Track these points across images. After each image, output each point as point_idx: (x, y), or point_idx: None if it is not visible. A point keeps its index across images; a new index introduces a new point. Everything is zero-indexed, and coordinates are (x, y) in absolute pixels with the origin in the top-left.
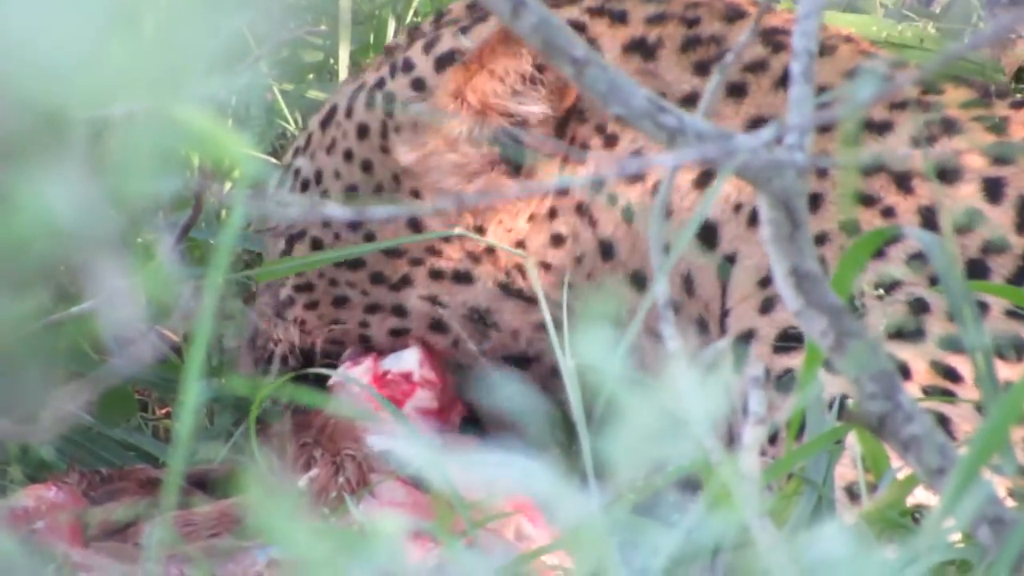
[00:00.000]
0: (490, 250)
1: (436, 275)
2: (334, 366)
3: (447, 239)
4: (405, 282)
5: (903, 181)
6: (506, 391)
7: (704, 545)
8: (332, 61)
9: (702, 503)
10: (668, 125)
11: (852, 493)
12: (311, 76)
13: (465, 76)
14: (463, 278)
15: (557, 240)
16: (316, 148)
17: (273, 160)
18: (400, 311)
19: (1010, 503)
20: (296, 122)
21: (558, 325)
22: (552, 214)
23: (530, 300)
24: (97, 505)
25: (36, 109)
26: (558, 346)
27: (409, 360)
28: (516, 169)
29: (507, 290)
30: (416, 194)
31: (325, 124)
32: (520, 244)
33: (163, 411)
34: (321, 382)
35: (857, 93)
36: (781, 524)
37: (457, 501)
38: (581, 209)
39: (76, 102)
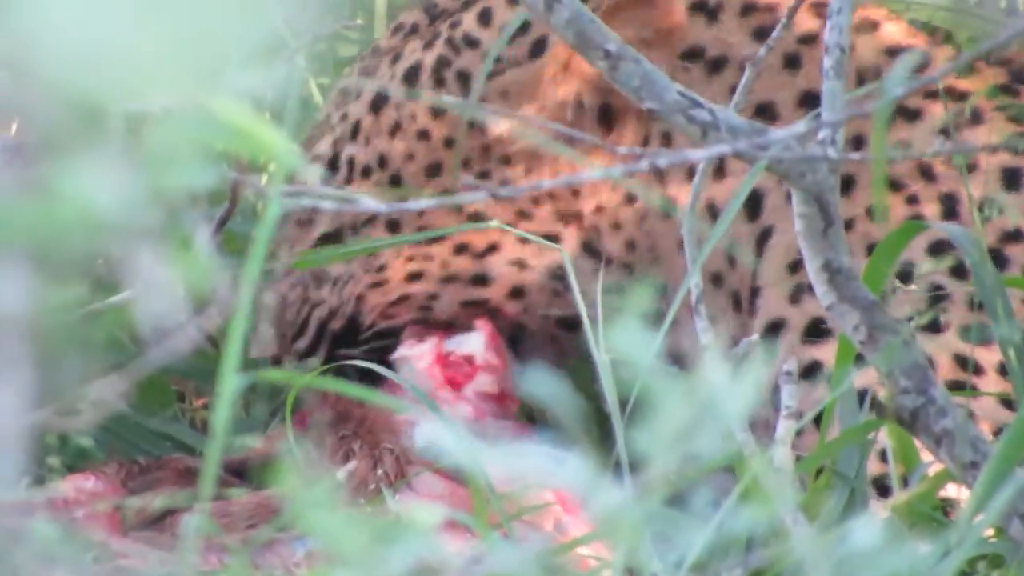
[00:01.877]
0: (576, 214)
1: (525, 239)
2: (386, 345)
3: (536, 201)
4: (492, 249)
5: (927, 168)
6: (542, 384)
7: (737, 538)
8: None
9: (735, 496)
10: (701, 120)
11: (881, 487)
12: (347, 70)
13: None
14: (551, 240)
15: (629, 198)
16: (371, 134)
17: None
18: (480, 280)
19: None
20: None
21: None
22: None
23: (601, 260)
24: (135, 495)
25: (75, 102)
26: (592, 341)
27: (474, 343)
28: (608, 127)
29: (587, 248)
30: (507, 160)
31: (378, 109)
32: (600, 206)
33: (200, 402)
34: (373, 358)
35: (888, 88)
36: (813, 517)
37: (492, 493)
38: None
39: (114, 95)
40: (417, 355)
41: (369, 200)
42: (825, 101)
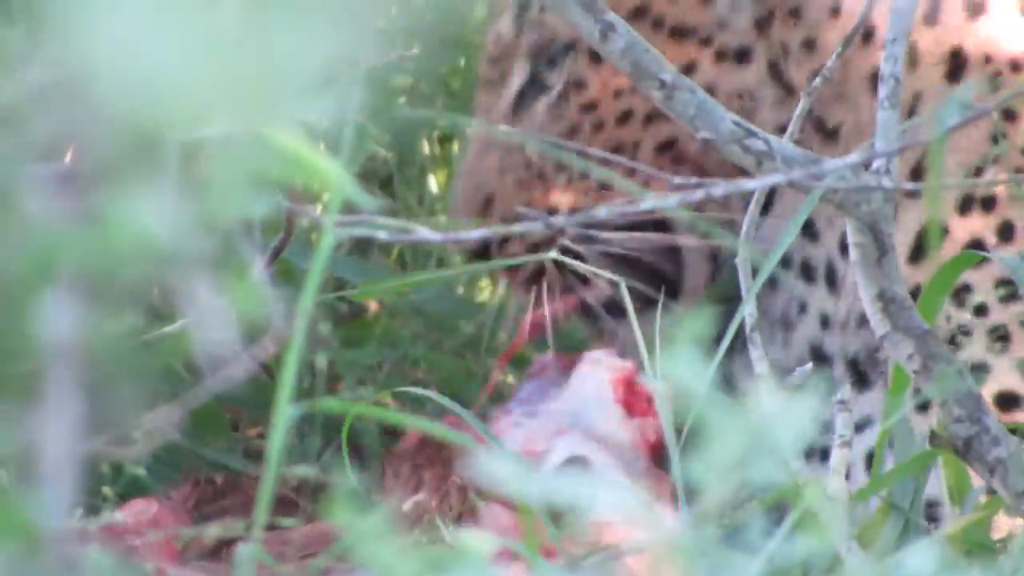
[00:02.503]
0: (767, 20)
1: (720, 56)
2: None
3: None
4: (689, 69)
5: None
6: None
7: (792, 567)
8: (423, 84)
9: (788, 526)
10: (755, 149)
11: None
12: (402, 99)
13: None
14: (743, 56)
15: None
16: None
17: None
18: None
19: None
20: (387, 145)
21: None
22: None
23: (789, 90)
24: (203, 521)
25: (131, 130)
26: (649, 369)
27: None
28: None
29: (775, 75)
30: None
31: None
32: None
33: (254, 431)
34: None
35: (942, 118)
36: (868, 547)
37: (546, 521)
38: None
39: (170, 123)
40: (607, 364)
41: (425, 231)
42: (879, 130)
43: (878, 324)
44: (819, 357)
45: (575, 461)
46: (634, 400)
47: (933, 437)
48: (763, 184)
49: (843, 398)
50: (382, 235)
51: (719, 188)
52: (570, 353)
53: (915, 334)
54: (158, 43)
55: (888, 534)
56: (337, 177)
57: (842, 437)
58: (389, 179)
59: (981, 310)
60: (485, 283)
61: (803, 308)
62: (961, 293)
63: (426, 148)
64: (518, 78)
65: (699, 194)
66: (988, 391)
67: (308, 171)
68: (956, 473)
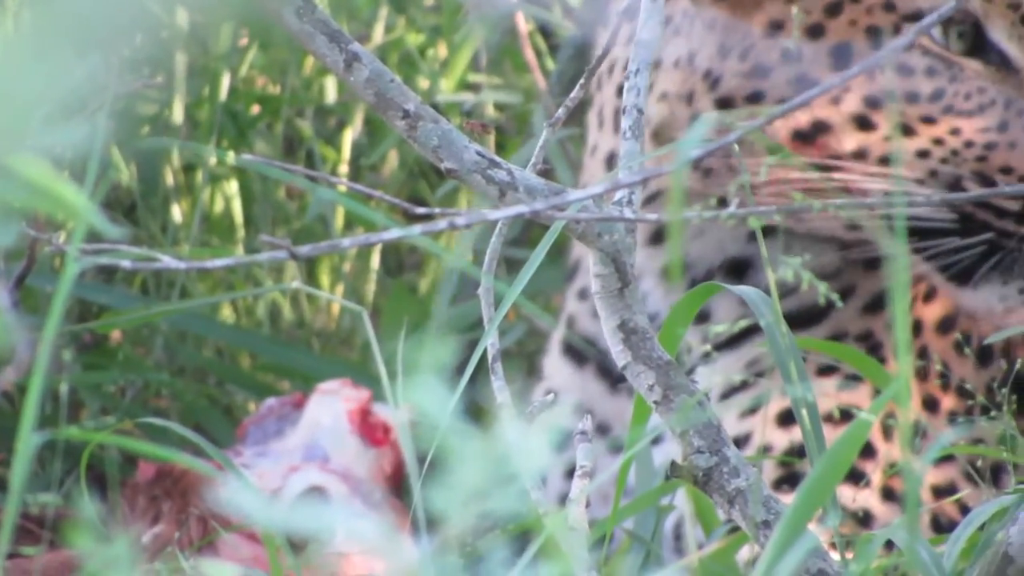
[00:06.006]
0: None
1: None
2: None
3: None
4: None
5: None
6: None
7: None
8: (167, 113)
9: (530, 555)
10: (499, 180)
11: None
12: (146, 129)
13: None
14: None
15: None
16: None
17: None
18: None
19: (835, 555)
20: (131, 174)
21: None
22: None
23: None
24: None
25: None
26: (391, 396)
27: (396, 416)
28: None
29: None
30: None
31: None
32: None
33: None
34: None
35: (683, 149)
36: None
37: (287, 551)
38: None
39: None
40: (342, 395)
41: (169, 259)
42: (622, 161)
43: (619, 355)
44: None
45: (313, 492)
46: (370, 430)
47: (674, 468)
48: (505, 215)
49: (584, 429)
50: (126, 264)
51: (462, 219)
52: (301, 391)
53: (656, 364)
54: None
55: (630, 564)
56: (81, 206)
57: (583, 468)
58: (133, 207)
59: None
60: (228, 308)
61: None
62: None
63: (170, 178)
64: None
65: (443, 224)
66: None
67: (52, 200)
68: (703, 504)
